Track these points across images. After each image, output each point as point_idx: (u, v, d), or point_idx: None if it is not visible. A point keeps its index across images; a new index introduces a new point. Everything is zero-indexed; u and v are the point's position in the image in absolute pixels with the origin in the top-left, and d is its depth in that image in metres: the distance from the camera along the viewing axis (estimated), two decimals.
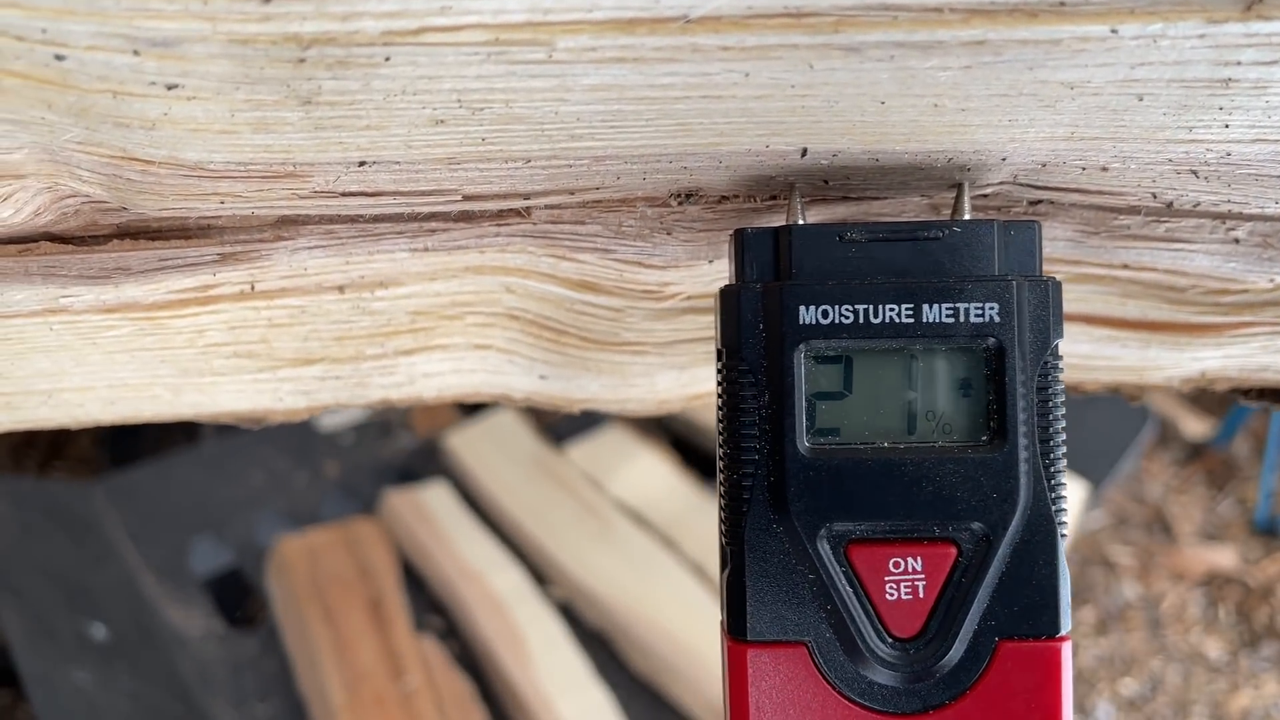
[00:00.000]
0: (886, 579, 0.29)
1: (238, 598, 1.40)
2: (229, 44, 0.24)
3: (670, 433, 1.60)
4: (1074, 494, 1.43)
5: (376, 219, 0.34)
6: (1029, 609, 0.29)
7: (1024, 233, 0.30)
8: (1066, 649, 0.29)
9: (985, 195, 0.33)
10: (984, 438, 0.30)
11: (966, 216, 0.31)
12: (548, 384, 0.42)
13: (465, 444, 1.54)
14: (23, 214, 0.31)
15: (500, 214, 0.34)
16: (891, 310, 0.29)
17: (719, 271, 0.37)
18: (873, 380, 0.30)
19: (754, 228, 0.31)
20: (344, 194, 0.32)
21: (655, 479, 1.48)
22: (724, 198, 0.34)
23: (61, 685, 1.21)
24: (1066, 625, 0.30)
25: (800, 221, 0.31)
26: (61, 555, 1.39)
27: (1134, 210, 0.33)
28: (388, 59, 0.24)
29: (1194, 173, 0.31)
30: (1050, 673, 0.29)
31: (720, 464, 0.31)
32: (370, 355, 0.40)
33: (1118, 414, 1.63)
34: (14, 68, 0.24)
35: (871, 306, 0.30)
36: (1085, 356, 0.41)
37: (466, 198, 0.33)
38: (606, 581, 1.29)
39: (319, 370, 0.40)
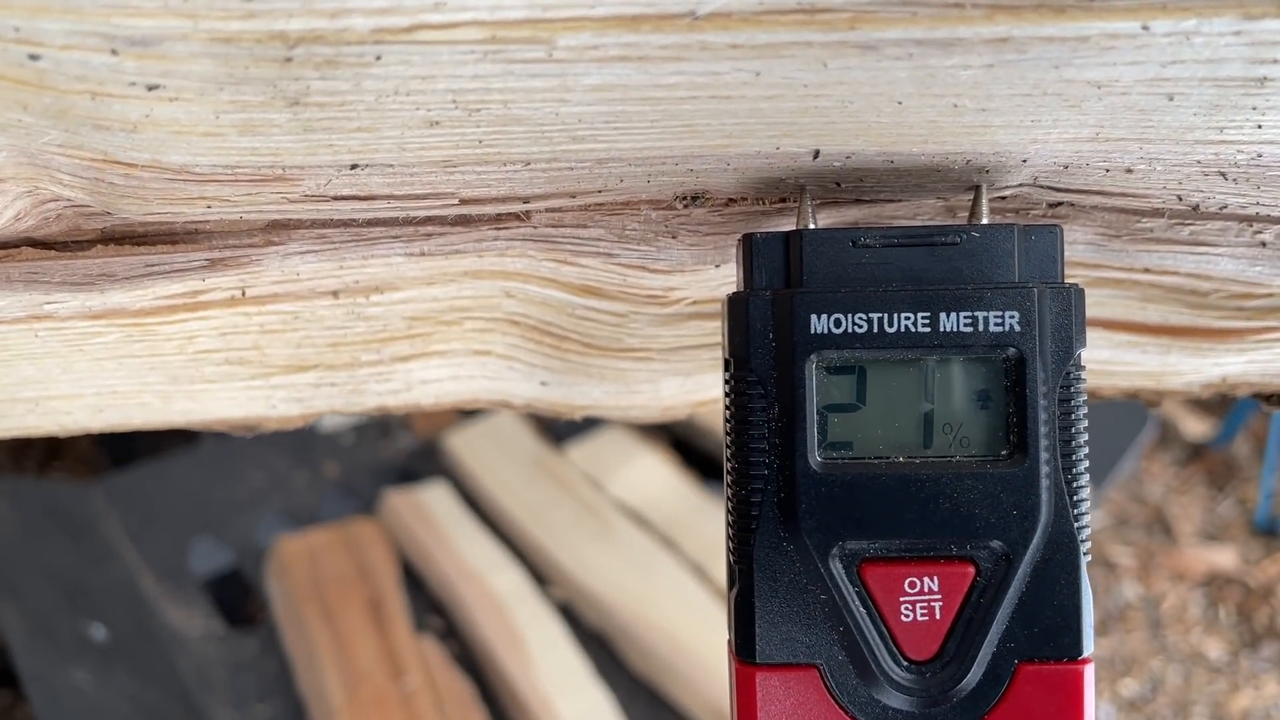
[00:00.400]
0: (902, 599, 0.28)
1: (237, 598, 1.40)
2: (211, 42, 0.22)
3: (670, 433, 1.59)
4: None
5: (370, 223, 0.32)
6: (1050, 630, 0.28)
7: (1045, 237, 0.29)
8: (1089, 671, 0.28)
9: (1003, 198, 0.32)
10: (1003, 452, 0.28)
11: (984, 220, 0.30)
12: (549, 390, 0.41)
13: (465, 444, 1.54)
14: (2, 219, 0.30)
15: (499, 218, 0.33)
16: (907, 319, 0.28)
17: (725, 276, 0.36)
18: (887, 392, 0.29)
19: (763, 232, 0.30)
20: (336, 198, 0.30)
21: (655, 479, 1.48)
22: (731, 200, 0.32)
23: (61, 686, 1.20)
24: (1089, 647, 0.28)
25: (811, 225, 0.30)
26: (61, 555, 1.38)
27: (1158, 213, 0.32)
28: (379, 58, 0.23)
29: (1222, 174, 0.30)
30: (1072, 696, 0.28)
31: (728, 479, 0.30)
32: (366, 362, 0.39)
33: (1118, 414, 1.62)
34: None
35: (886, 315, 0.28)
36: (1104, 362, 0.39)
37: (463, 201, 0.31)
38: (606, 582, 1.29)
39: (313, 377, 0.39)
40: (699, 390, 0.42)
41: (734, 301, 0.30)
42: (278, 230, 0.32)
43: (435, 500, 1.43)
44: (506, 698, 1.19)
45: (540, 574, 1.35)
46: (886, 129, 0.27)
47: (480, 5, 0.22)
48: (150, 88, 0.24)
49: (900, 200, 0.32)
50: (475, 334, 0.39)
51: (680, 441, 1.59)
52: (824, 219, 0.33)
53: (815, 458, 0.28)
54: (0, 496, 1.44)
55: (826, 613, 0.29)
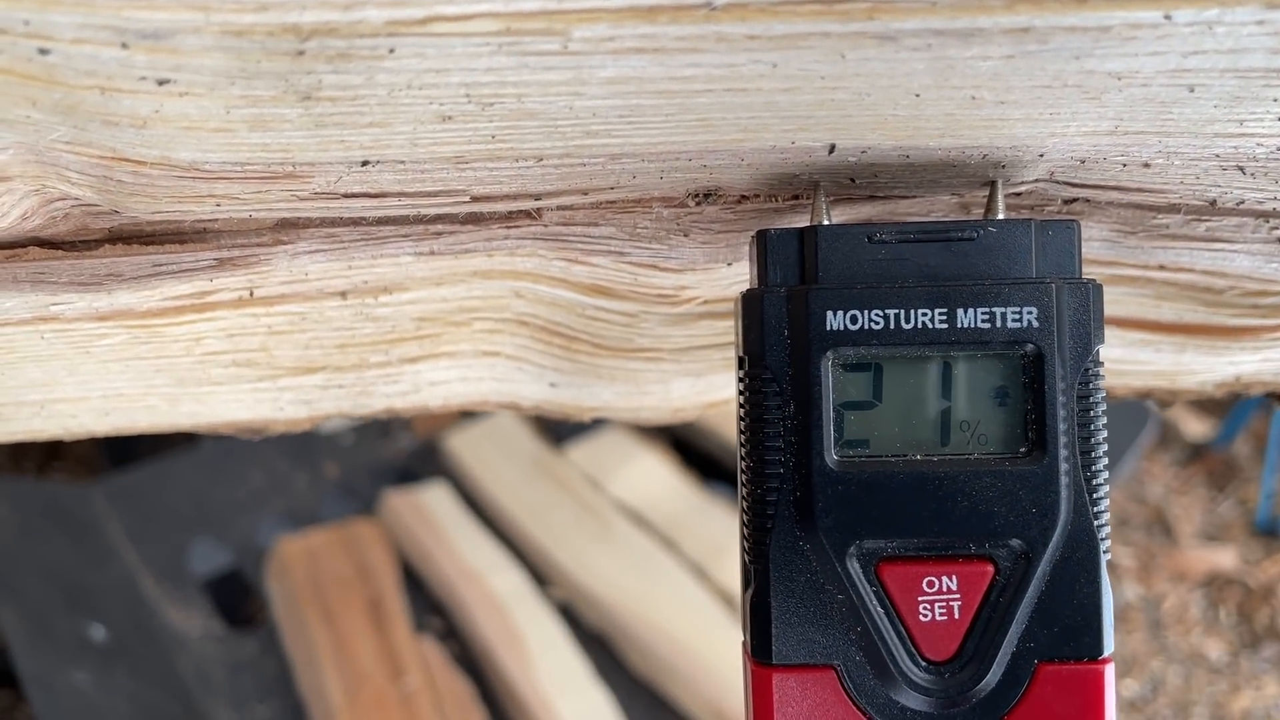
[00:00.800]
0: (920, 599, 0.28)
1: (237, 598, 1.39)
2: (223, 35, 0.22)
3: (670, 434, 1.59)
4: None
5: (380, 221, 0.32)
6: (1070, 630, 0.28)
7: (1062, 233, 0.29)
8: (1109, 671, 0.28)
9: (1018, 194, 0.32)
10: (1022, 449, 0.28)
11: (1001, 216, 0.29)
12: (558, 392, 0.41)
13: (465, 444, 1.53)
14: (9, 218, 0.29)
15: (510, 215, 0.32)
16: (924, 315, 0.28)
17: (737, 275, 0.36)
18: (904, 389, 0.29)
19: (778, 229, 0.29)
20: (346, 195, 0.30)
21: (655, 479, 1.47)
22: (744, 197, 0.32)
23: (61, 686, 1.20)
24: (1109, 647, 0.28)
25: (826, 222, 0.30)
26: (61, 556, 1.38)
27: (1174, 209, 0.32)
28: (392, 51, 0.23)
29: (1241, 169, 0.29)
30: (1093, 696, 0.28)
31: (742, 478, 0.30)
32: (374, 363, 0.38)
33: (1118, 414, 1.61)
34: None
35: (903, 311, 0.28)
36: (1117, 361, 0.39)
37: (475, 199, 0.31)
38: (606, 582, 1.28)
39: (321, 379, 0.39)
40: (710, 391, 0.42)
41: (748, 298, 0.29)
42: (287, 229, 0.32)
43: (435, 501, 1.43)
44: (506, 698, 1.19)
45: (540, 574, 1.34)
46: (903, 122, 0.27)
47: None
48: (160, 82, 0.23)
49: (915, 196, 0.32)
50: (484, 335, 0.38)
51: (680, 442, 1.59)
52: (837, 216, 0.32)
53: (832, 456, 0.28)
54: (0, 497, 1.43)
55: (844, 613, 0.28)
